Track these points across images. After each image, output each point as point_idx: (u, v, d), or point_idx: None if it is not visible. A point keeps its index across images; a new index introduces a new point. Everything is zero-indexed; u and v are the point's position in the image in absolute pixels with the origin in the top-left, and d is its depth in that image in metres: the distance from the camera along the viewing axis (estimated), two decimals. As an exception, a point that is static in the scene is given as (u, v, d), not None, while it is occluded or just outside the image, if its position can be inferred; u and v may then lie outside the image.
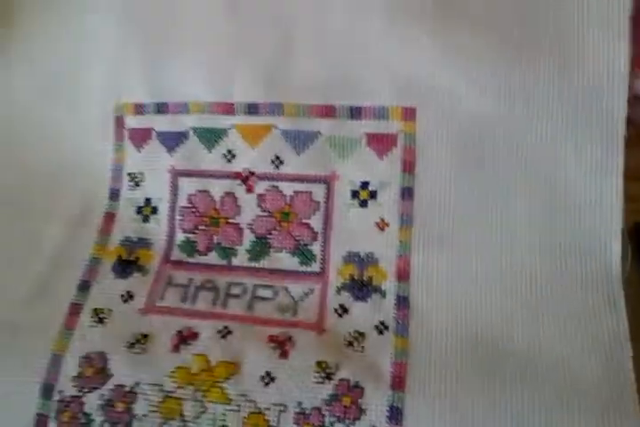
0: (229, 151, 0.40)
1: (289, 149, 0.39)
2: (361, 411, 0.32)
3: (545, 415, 0.31)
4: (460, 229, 0.36)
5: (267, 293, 0.38)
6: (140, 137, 0.41)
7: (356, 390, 0.32)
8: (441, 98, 0.37)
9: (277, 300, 0.37)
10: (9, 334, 0.36)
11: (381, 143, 0.38)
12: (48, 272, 0.39)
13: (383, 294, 0.36)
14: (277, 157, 0.39)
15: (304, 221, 0.39)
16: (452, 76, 0.37)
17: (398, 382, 0.32)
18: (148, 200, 0.41)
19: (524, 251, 0.35)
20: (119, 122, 0.42)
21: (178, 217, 0.40)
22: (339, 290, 0.37)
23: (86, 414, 0.33)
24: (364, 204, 0.38)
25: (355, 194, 0.38)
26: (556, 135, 0.35)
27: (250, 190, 0.40)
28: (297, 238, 0.39)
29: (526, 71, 0.36)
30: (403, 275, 0.36)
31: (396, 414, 0.31)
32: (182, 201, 0.40)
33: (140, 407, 0.33)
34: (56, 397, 0.34)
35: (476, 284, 0.35)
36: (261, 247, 0.39)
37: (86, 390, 0.34)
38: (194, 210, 0.40)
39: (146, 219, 0.41)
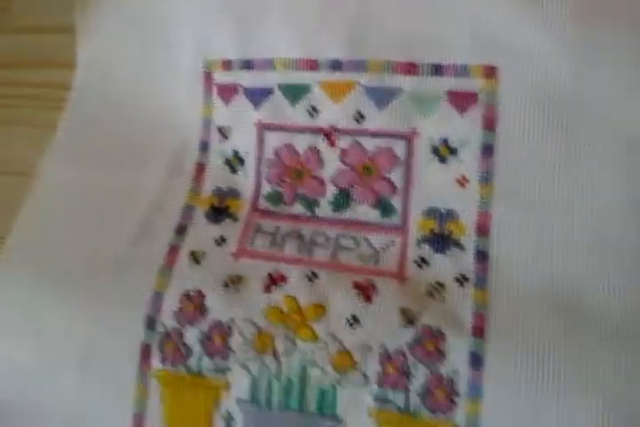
0: (313, 107, 0.41)
1: (371, 105, 0.40)
2: (442, 355, 0.34)
3: (625, 377, 0.32)
4: (541, 186, 0.37)
5: (349, 242, 0.40)
6: (228, 92, 0.43)
7: (438, 335, 0.34)
8: (524, 57, 0.38)
9: (359, 249, 0.39)
10: (114, 271, 0.39)
11: (462, 100, 0.39)
12: (148, 216, 0.42)
13: (462, 248, 0.38)
14: (359, 113, 0.40)
15: (385, 175, 0.40)
16: (537, 36, 0.37)
17: (479, 331, 0.34)
18: (235, 152, 0.43)
19: (608, 208, 0.36)
20: (208, 78, 0.44)
21: (264, 169, 0.42)
22: (419, 242, 0.39)
23: (186, 346, 0.36)
24: (443, 160, 0.39)
25: (435, 150, 0.39)
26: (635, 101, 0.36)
27: (333, 145, 0.41)
28: (378, 192, 0.40)
29: (614, 33, 0.36)
30: (482, 230, 0.38)
31: (476, 359, 0.33)
32: (268, 154, 0.42)
33: (235, 342, 0.36)
34: (159, 328, 0.37)
35: (557, 240, 0.36)
36: (344, 200, 0.41)
37: (186, 323, 0.37)
38: (279, 162, 0.42)
39: (234, 170, 0.43)
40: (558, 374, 0.32)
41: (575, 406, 0.32)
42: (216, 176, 0.43)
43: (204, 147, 0.44)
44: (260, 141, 0.42)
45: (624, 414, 0.31)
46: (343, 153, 0.41)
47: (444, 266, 0.37)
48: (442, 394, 0.33)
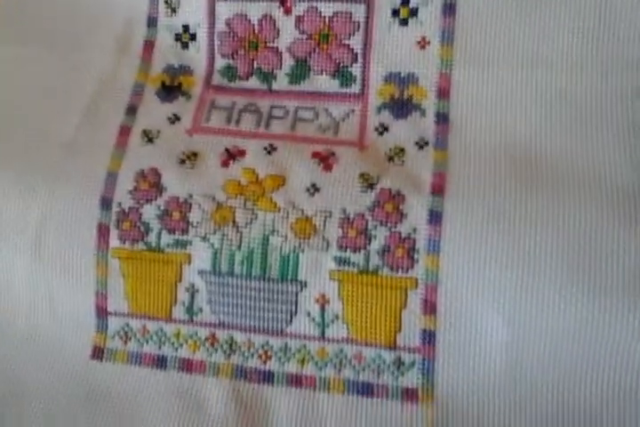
0: None
1: None
2: (402, 215, 0.34)
3: (588, 223, 0.32)
4: (502, 44, 0.36)
5: (308, 114, 0.38)
6: (174, -40, 0.40)
7: (397, 197, 0.34)
8: None
9: (319, 120, 0.38)
10: (65, 155, 0.38)
11: None
12: (95, 98, 0.40)
13: (423, 112, 0.37)
14: None
15: (344, 42, 0.38)
16: None
17: (438, 190, 0.34)
18: (185, 27, 0.41)
19: (565, 68, 0.35)
20: None
21: (216, 42, 0.40)
22: (379, 109, 0.37)
23: (145, 223, 0.36)
24: (404, 22, 0.37)
25: (395, 12, 0.38)
26: None
27: (288, 12, 0.39)
28: (337, 60, 0.39)
29: None
30: (443, 92, 0.37)
31: (435, 216, 0.33)
32: (220, 26, 0.40)
33: (194, 216, 0.35)
34: (115, 208, 0.36)
35: (516, 100, 0.35)
36: (301, 70, 0.39)
37: (143, 201, 0.36)
38: (232, 34, 0.40)
39: (185, 46, 0.41)
40: (517, 227, 0.32)
41: (537, 256, 0.31)
42: (166, 53, 0.41)
43: (152, 22, 0.42)
44: (211, 13, 0.40)
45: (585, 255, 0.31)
46: (299, 20, 0.39)
47: (404, 131, 0.37)
48: (401, 251, 0.33)
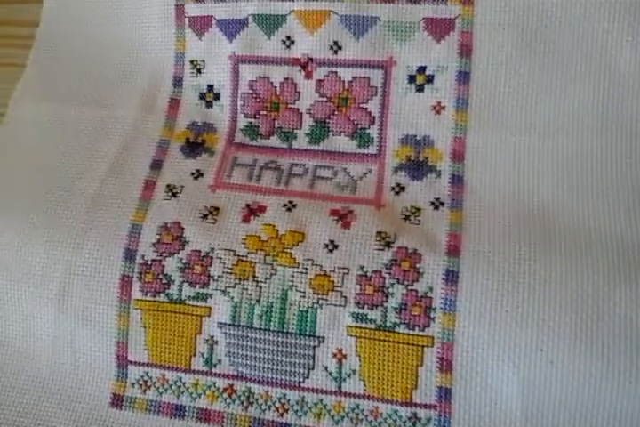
0: (288, 37, 0.41)
1: (347, 34, 0.40)
2: (419, 274, 0.35)
3: (595, 284, 0.33)
4: (516, 111, 0.38)
5: (327, 172, 0.40)
6: (201, 25, 0.42)
7: (414, 256, 0.35)
8: None
9: (337, 179, 0.40)
10: (90, 208, 0.39)
11: (439, 27, 0.39)
12: (121, 153, 0.42)
13: (438, 174, 0.38)
14: (336, 43, 0.40)
15: (362, 105, 0.40)
16: None
17: (453, 250, 0.35)
18: (210, 87, 0.43)
19: (578, 132, 0.37)
20: (179, 10, 0.43)
21: (240, 102, 0.42)
22: (395, 170, 0.39)
23: (167, 276, 0.37)
24: (420, 88, 0.39)
25: (412, 78, 0.39)
26: (613, 26, 0.36)
27: (309, 76, 0.41)
28: (355, 122, 0.40)
29: None
30: (458, 156, 0.38)
31: (451, 276, 0.34)
32: (243, 87, 0.42)
33: (215, 269, 0.36)
34: (138, 260, 0.37)
35: (529, 164, 0.37)
36: (320, 131, 0.41)
37: (166, 254, 0.37)
38: (255, 95, 0.42)
39: (209, 104, 0.43)
40: (529, 287, 0.33)
41: (547, 315, 0.32)
42: (191, 111, 0.43)
43: (178, 82, 0.44)
44: (235, 75, 0.42)
45: (593, 319, 0.32)
46: (319, 84, 0.41)
47: (420, 191, 0.38)
48: (418, 309, 0.34)
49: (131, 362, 0.37)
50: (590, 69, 0.37)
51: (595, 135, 0.37)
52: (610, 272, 0.33)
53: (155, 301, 0.37)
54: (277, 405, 0.35)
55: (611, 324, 0.31)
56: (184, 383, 0.36)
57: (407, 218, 0.37)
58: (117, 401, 0.37)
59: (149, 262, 0.37)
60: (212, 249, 0.36)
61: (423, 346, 0.34)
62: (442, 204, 0.37)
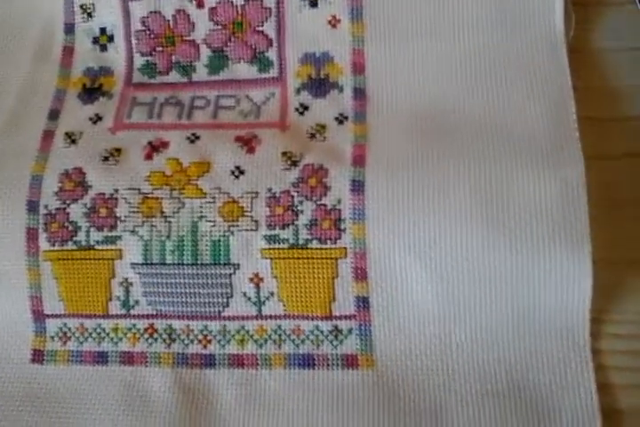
0: None
1: None
2: (326, 188, 0.34)
3: (500, 171, 0.33)
4: (410, 17, 0.37)
5: (229, 102, 0.39)
6: (84, -34, 0.40)
7: (320, 171, 0.34)
8: None
9: (240, 107, 0.38)
10: None
11: None
12: (17, 107, 0.40)
13: (341, 89, 0.37)
14: None
15: (258, 28, 0.39)
16: None
17: (359, 160, 0.34)
18: (102, 29, 0.41)
19: (472, 35, 0.37)
20: None
21: (134, 41, 0.40)
22: (298, 90, 0.38)
23: (73, 223, 0.35)
24: (314, 3, 0.38)
25: None
26: None
27: (200, 5, 0.39)
28: (253, 47, 0.39)
29: None
30: (358, 68, 0.37)
31: (357, 186, 0.33)
32: (136, 25, 0.40)
33: (121, 210, 0.35)
34: (42, 211, 0.36)
35: (425, 68, 0.37)
36: (219, 60, 0.39)
37: (69, 201, 0.36)
38: (148, 32, 0.40)
39: (103, 48, 0.41)
40: (435, 186, 0.32)
41: (459, 212, 0.32)
42: (85, 57, 0.41)
43: (69, 29, 0.42)
44: (126, 13, 0.40)
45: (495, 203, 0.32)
46: (212, 12, 0.39)
47: (324, 109, 0.37)
48: (328, 223, 0.33)
49: (47, 315, 0.35)
50: None
51: (488, 34, 0.36)
52: (513, 159, 0.32)
53: (63, 250, 0.35)
54: (200, 337, 0.34)
55: (520, 208, 0.31)
56: (104, 329, 0.35)
57: (313, 136, 0.36)
58: (38, 357, 0.35)
59: (53, 212, 0.35)
60: (117, 190, 0.35)
61: (337, 258, 0.33)
62: (346, 118, 0.36)
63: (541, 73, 0.34)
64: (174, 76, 0.40)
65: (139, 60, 0.41)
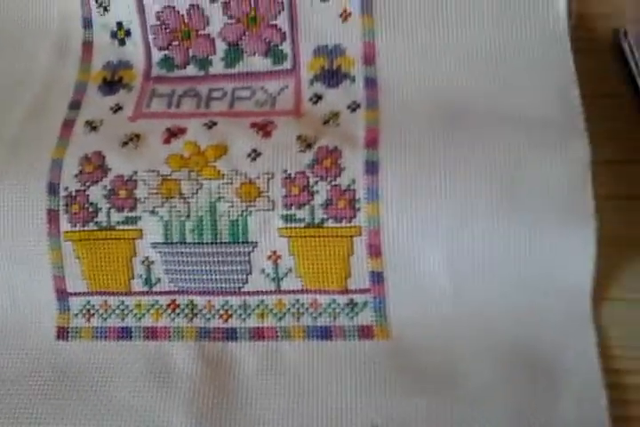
0: None
1: None
2: (340, 169, 0.35)
3: (507, 152, 0.34)
4: (418, 10, 0.39)
5: (245, 93, 0.40)
6: (102, -37, 0.42)
7: (334, 153, 0.36)
8: None
9: (256, 97, 0.40)
10: (11, 148, 0.38)
11: None
12: (39, 98, 0.41)
13: (352, 79, 0.39)
14: None
15: (271, 22, 0.40)
16: None
17: (372, 143, 0.36)
18: (119, 24, 0.42)
19: (478, 24, 0.38)
20: None
21: (151, 36, 0.42)
22: (311, 82, 0.40)
23: (93, 204, 0.36)
24: None
25: None
26: None
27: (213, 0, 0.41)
28: (267, 40, 0.41)
29: None
30: (369, 59, 0.39)
31: (371, 167, 0.35)
32: (151, 20, 0.42)
33: (141, 192, 0.36)
34: (62, 193, 0.37)
35: (434, 56, 0.38)
36: (234, 53, 0.41)
37: (89, 183, 0.37)
38: (164, 27, 0.41)
39: (122, 42, 0.43)
40: (447, 166, 0.34)
41: (470, 191, 0.33)
42: (104, 51, 0.43)
43: (88, 23, 0.43)
44: (141, 8, 0.42)
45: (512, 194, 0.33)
46: (225, 6, 0.41)
47: (337, 98, 0.39)
48: (343, 203, 0.34)
49: (71, 294, 0.36)
50: None
51: (494, 23, 0.38)
52: (522, 141, 0.34)
53: (84, 230, 0.36)
54: (221, 312, 0.35)
55: (526, 187, 0.32)
56: (127, 306, 0.36)
57: (327, 122, 0.37)
58: (63, 333, 0.36)
59: (74, 194, 0.36)
60: (135, 172, 0.36)
61: (352, 236, 0.34)
62: (358, 106, 0.37)
63: (546, 59, 0.36)
64: (192, 70, 0.42)
65: (157, 55, 0.42)
